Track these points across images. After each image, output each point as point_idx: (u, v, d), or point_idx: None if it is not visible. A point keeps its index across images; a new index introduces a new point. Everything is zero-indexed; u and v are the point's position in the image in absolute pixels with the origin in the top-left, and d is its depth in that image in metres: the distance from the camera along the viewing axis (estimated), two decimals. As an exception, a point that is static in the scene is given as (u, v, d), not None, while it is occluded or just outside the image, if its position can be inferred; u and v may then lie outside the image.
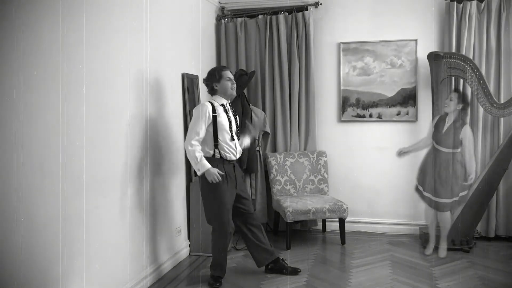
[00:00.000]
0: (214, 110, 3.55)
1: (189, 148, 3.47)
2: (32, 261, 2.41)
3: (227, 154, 3.58)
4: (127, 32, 3.30)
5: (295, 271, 3.82)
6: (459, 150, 4.14)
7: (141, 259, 3.52)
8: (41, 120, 2.45)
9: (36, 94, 2.40)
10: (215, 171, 3.45)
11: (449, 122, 4.20)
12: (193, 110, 3.61)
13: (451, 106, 4.18)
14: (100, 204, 2.99)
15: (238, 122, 3.78)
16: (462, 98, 4.22)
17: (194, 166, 3.52)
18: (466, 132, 4.12)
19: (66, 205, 2.64)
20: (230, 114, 3.67)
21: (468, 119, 4.45)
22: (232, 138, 3.61)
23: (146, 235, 3.61)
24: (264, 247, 3.78)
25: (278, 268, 3.83)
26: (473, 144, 4.20)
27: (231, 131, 3.60)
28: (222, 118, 3.56)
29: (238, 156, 3.69)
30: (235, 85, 3.69)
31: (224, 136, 3.56)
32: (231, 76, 3.68)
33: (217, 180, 3.45)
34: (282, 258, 3.87)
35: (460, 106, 4.18)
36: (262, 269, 3.88)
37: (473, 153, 4.18)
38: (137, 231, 3.48)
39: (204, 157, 3.49)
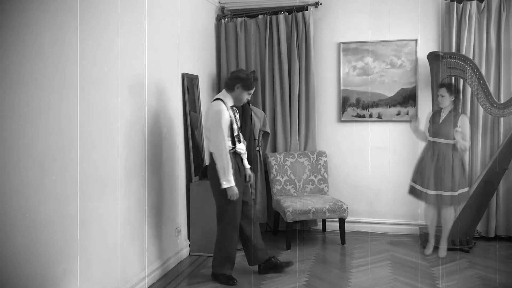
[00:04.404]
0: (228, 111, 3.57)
1: (226, 153, 3.43)
2: (31, 261, 2.41)
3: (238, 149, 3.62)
4: (127, 32, 3.30)
5: (287, 264, 3.83)
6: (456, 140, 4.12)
7: (141, 259, 3.52)
8: (41, 120, 2.45)
9: (36, 94, 2.40)
10: (237, 190, 3.47)
11: (444, 114, 4.21)
12: (209, 110, 3.56)
13: (445, 102, 4.18)
14: (100, 204, 2.99)
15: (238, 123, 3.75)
16: (452, 89, 4.20)
17: (222, 174, 3.43)
18: (463, 122, 4.11)
19: (66, 205, 2.65)
20: (236, 114, 3.68)
21: (468, 109, 4.51)
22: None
23: (146, 235, 3.61)
24: (257, 247, 3.77)
25: (270, 266, 3.82)
26: (468, 134, 4.16)
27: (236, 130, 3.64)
28: (232, 118, 3.57)
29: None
30: (248, 100, 3.71)
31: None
32: (252, 92, 3.67)
33: (235, 199, 3.48)
34: (273, 256, 3.86)
35: (453, 98, 4.18)
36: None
37: (468, 143, 4.14)
38: (137, 231, 3.48)
39: None
